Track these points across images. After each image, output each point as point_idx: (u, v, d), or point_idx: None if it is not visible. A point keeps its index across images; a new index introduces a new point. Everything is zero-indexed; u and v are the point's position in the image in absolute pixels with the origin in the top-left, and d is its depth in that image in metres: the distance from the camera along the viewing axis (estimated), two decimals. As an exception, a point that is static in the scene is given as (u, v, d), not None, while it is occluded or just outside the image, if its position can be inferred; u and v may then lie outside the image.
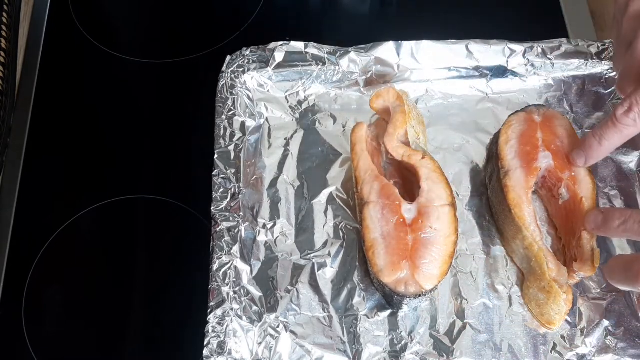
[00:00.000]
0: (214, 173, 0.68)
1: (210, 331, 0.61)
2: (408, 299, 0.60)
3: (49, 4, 0.88)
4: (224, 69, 0.73)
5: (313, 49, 0.73)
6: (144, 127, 0.80)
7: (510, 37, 0.74)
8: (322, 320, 0.63)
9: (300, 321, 0.63)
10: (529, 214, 0.62)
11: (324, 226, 0.68)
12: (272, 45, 0.74)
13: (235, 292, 0.63)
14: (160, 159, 0.78)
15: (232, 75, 0.73)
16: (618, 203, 0.69)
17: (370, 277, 0.64)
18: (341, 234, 0.67)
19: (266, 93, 0.74)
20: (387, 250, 0.60)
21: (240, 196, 0.67)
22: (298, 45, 0.73)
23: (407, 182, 0.66)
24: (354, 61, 0.73)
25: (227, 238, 0.65)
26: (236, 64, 0.73)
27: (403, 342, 0.63)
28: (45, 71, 0.84)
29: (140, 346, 0.69)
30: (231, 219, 0.66)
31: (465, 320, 0.63)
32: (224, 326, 0.61)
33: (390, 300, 0.62)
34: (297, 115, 0.74)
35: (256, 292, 0.64)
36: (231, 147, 0.69)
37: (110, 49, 0.85)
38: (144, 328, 0.69)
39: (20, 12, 0.85)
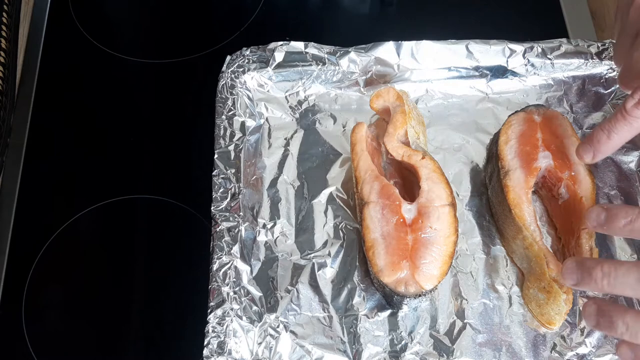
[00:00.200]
0: (214, 173, 0.68)
1: (210, 331, 0.60)
2: (408, 299, 0.60)
3: (49, 4, 0.88)
4: (224, 69, 0.73)
5: (313, 49, 0.73)
6: (143, 127, 0.80)
7: (510, 37, 0.74)
8: (322, 320, 0.63)
9: (300, 321, 0.63)
10: (529, 214, 0.62)
11: (324, 226, 0.68)
12: (272, 45, 0.74)
13: (235, 292, 0.63)
14: (160, 159, 0.78)
15: (232, 75, 0.73)
16: (618, 203, 0.68)
17: (370, 277, 0.64)
18: (341, 234, 0.67)
19: (266, 93, 0.74)
20: (387, 250, 0.60)
21: (240, 196, 0.67)
22: (298, 45, 0.73)
23: (407, 182, 0.66)
24: (354, 61, 0.73)
25: (227, 238, 0.65)
26: (236, 64, 0.73)
27: (403, 342, 0.63)
28: (45, 71, 0.84)
29: (140, 346, 0.69)
30: (231, 219, 0.66)
31: (465, 320, 0.63)
32: (224, 326, 0.61)
33: (390, 300, 0.62)
34: (297, 115, 0.74)
35: (256, 292, 0.64)
36: (231, 147, 0.69)
37: (110, 49, 0.85)
38: (144, 328, 0.69)
39: (20, 12, 0.85)
